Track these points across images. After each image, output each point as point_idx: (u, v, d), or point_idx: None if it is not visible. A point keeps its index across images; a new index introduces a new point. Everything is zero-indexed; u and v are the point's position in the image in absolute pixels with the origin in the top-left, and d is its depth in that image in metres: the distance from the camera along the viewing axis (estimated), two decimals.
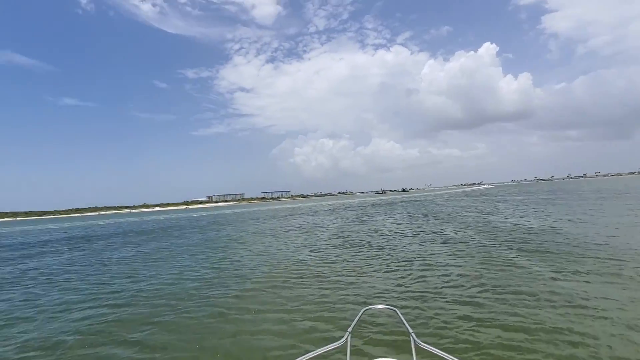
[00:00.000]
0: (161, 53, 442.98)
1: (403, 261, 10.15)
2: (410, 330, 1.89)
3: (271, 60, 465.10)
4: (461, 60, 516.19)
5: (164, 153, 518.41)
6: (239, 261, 12.06)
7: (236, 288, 8.41)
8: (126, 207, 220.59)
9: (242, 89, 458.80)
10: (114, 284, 9.86)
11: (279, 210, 59.65)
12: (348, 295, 7.19)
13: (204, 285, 8.90)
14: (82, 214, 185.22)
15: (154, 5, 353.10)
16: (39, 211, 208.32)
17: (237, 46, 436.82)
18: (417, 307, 6.14)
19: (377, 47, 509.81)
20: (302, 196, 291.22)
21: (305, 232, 19.95)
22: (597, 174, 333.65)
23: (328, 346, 1.82)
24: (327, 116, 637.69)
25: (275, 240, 17.16)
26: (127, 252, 16.52)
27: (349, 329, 1.97)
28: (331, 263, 10.66)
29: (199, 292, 8.31)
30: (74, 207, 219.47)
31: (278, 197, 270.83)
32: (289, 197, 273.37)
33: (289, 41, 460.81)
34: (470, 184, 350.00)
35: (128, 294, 8.60)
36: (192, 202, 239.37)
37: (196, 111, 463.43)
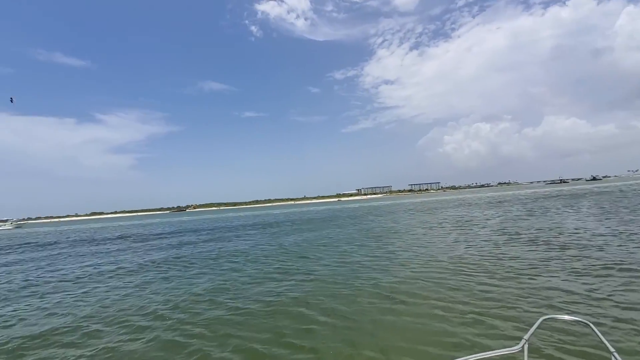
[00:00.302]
0: (313, 61, 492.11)
1: (597, 266, 8.24)
2: (612, 350, 1.65)
3: (415, 46, 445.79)
4: None
5: (319, 150, 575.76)
6: (393, 252, 12.47)
7: (395, 275, 8.84)
8: (291, 199, 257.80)
9: (386, 82, 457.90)
10: (293, 263, 11.96)
11: (427, 202, 57.24)
12: (519, 298, 6.47)
13: (362, 270, 9.71)
14: (261, 205, 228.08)
15: (305, 19, 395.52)
16: (230, 202, 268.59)
17: (380, 40, 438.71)
18: (616, 322, 4.98)
19: (547, 4, 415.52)
20: (453, 188, 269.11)
21: (460, 226, 18.59)
22: None
23: (502, 350, 1.73)
24: (482, 97, 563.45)
25: (427, 233, 16.75)
26: (297, 237, 19.53)
27: (526, 336, 1.79)
28: (495, 260, 9.70)
29: (360, 274, 9.17)
30: (254, 199, 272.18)
31: (427, 189, 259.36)
32: (438, 189, 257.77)
33: (434, 22, 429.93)
34: None
35: (306, 270, 10.31)
36: (344, 195, 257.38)
37: (344, 109, 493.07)
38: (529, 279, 7.62)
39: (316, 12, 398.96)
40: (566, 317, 2.01)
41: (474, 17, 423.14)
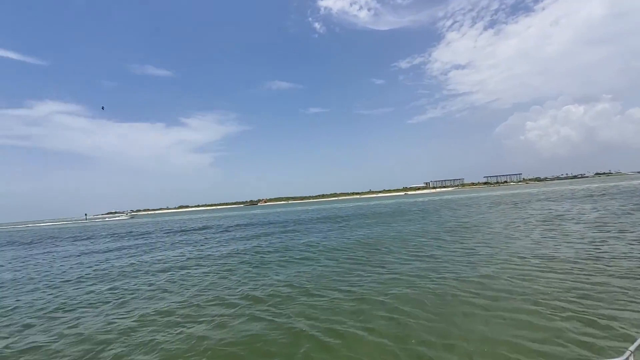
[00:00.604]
0: (377, 52, 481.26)
1: None
2: None
3: (490, 25, 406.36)
4: None
5: (384, 143, 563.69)
6: (470, 247, 12.02)
7: (476, 271, 8.65)
8: (356, 193, 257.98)
9: (457, 67, 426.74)
10: (366, 255, 12.34)
11: (506, 196, 52.31)
12: (624, 303, 5.89)
13: (439, 264, 9.62)
14: (327, 199, 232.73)
15: (369, 9, 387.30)
16: (298, 196, 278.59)
17: (449, 22, 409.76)
18: None
19: None
20: (537, 179, 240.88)
21: (547, 222, 16.92)
22: None
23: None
24: (573, 76, 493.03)
25: (508, 228, 15.62)
26: (367, 231, 19.81)
27: (631, 348, 1.67)
28: (593, 260, 8.81)
29: (438, 268, 9.14)
30: (320, 194, 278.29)
31: (505, 182, 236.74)
32: (519, 181, 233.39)
33: None
34: None
35: (379, 262, 10.61)
36: (411, 189, 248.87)
37: (410, 99, 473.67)
38: (635, 282, 6.83)
39: (380, 1, 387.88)
40: None
41: None
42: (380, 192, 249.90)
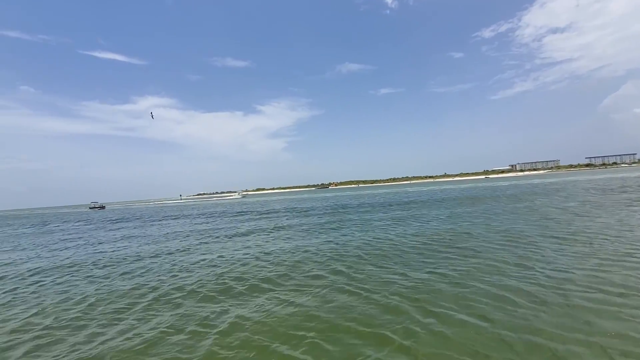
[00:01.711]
0: (455, 22, 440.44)
1: None
2: None
3: None
4: None
5: (461, 123, 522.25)
6: (575, 232, 11.06)
7: (589, 262, 7.96)
8: (430, 177, 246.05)
9: (555, 30, 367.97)
10: (452, 239, 12.20)
11: (616, 179, 44.12)
12: None
13: (540, 251, 9.16)
14: (398, 182, 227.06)
15: None
16: (369, 180, 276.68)
17: None
18: None
19: None
20: None
21: None
22: None
23: None
24: None
25: (624, 215, 13.74)
26: (448, 212, 19.26)
27: None
28: None
29: (538, 256, 8.75)
30: (392, 177, 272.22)
31: (614, 163, 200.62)
32: (633, 163, 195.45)
33: None
34: None
35: (470, 247, 10.50)
36: (493, 172, 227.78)
37: (495, 73, 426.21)
38: None
39: None
40: None
41: None
42: (456, 175, 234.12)
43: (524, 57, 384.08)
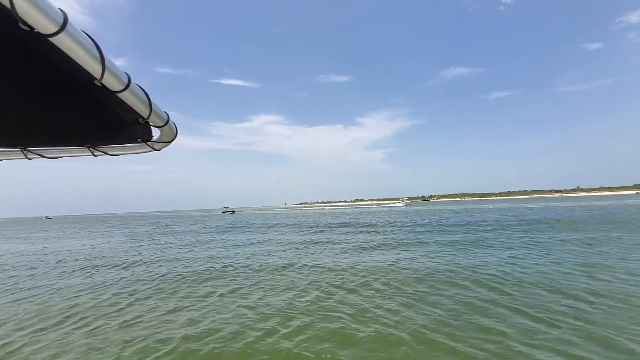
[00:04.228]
0: (589, 7, 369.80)
1: None
2: None
3: None
4: None
5: (601, 126, 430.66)
6: None
7: None
8: (557, 191, 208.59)
9: None
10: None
11: None
12: None
13: None
14: (513, 197, 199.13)
15: None
16: (476, 193, 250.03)
17: None
18: None
19: None
20: None
21: None
22: None
23: None
24: None
25: None
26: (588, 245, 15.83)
27: None
28: None
29: None
30: (506, 190, 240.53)
31: None
32: None
33: None
34: None
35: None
36: None
37: None
38: None
39: None
40: None
41: None
42: (594, 190, 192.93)
43: None
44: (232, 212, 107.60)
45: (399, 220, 36.27)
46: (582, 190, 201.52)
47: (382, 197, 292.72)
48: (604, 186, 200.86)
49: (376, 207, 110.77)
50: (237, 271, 11.32)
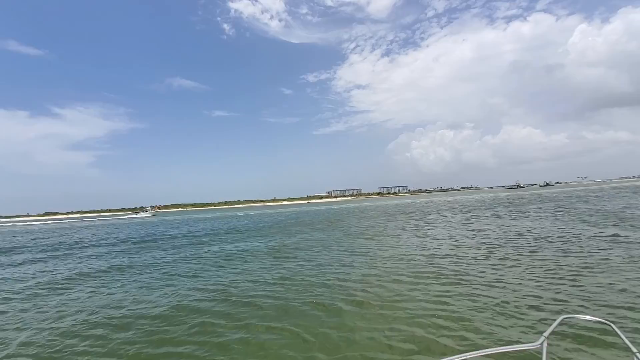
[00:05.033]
0: (287, 62, 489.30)
1: (558, 266, 8.54)
2: (634, 350, 1.62)
3: (386, 53, 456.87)
4: (629, 18, 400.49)
5: (290, 152, 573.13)
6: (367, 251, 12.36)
7: (413, 271, 8.65)
8: (261, 201, 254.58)
9: (358, 86, 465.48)
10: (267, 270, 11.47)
11: (389, 206, 58.25)
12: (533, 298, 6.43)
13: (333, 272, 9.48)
14: (229, 206, 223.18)
15: (280, 20, 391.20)
16: (198, 203, 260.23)
17: (352, 45, 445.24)
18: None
19: (509, 18, 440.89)
20: (420, 191, 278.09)
21: (421, 230, 18.95)
22: None
23: (520, 345, 1.69)
24: (448, 105, 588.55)
25: (401, 236, 16.90)
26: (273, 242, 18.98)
27: (545, 334, 1.76)
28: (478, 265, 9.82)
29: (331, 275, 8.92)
30: (223, 200, 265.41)
31: (395, 192, 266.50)
32: (406, 192, 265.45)
33: (405, 31, 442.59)
34: None
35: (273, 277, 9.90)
36: (314, 197, 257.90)
37: (317, 112, 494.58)
38: (499, 284, 7.73)
39: (291, 14, 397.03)
40: (587, 317, 1.99)
41: (442, 28, 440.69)
42: (284, 200, 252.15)
43: (337, 103, 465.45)
44: None
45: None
46: (278, 200, 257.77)
47: (87, 209, 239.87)
48: (291, 197, 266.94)
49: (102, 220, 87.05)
50: None
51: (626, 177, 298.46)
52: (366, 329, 5.42)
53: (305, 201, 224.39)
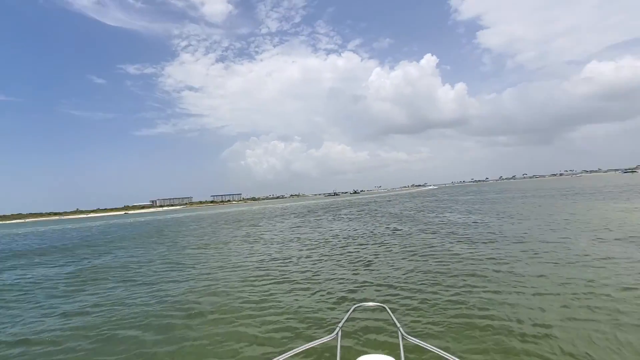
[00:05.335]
0: (98, 46, 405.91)
1: (359, 260, 10.51)
2: (398, 325, 1.97)
3: (221, 59, 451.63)
4: (406, 69, 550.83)
5: (102, 154, 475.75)
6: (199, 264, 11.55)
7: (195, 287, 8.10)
8: (56, 214, 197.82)
9: (191, 88, 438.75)
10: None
11: (222, 214, 57.56)
12: (320, 295, 7.18)
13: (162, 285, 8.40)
14: (5, 221, 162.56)
15: None
16: None
17: (184, 43, 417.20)
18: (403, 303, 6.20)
19: (329, 51, 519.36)
20: (253, 199, 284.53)
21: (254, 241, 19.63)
22: (525, 175, 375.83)
23: (318, 340, 1.88)
24: (280, 118, 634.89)
25: (233, 246, 16.69)
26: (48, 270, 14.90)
27: (340, 325, 2.01)
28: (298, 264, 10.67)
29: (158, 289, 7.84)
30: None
31: (229, 201, 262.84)
32: (240, 200, 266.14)
33: (240, 41, 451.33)
34: (416, 185, 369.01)
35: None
36: (134, 207, 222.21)
37: (139, 110, 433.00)
38: (318, 279, 8.78)
39: None
40: (370, 303, 2.29)
41: (274, 46, 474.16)
42: (92, 211, 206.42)
43: (166, 103, 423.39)
44: None
45: None
46: (82, 212, 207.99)
47: None
48: (101, 207, 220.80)
49: None
50: None
51: (404, 187, 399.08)
52: (194, 338, 5.34)
53: (122, 212, 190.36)
